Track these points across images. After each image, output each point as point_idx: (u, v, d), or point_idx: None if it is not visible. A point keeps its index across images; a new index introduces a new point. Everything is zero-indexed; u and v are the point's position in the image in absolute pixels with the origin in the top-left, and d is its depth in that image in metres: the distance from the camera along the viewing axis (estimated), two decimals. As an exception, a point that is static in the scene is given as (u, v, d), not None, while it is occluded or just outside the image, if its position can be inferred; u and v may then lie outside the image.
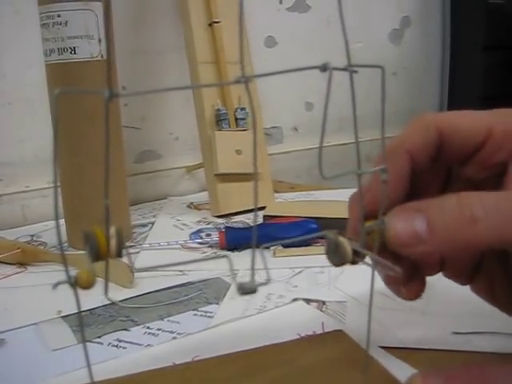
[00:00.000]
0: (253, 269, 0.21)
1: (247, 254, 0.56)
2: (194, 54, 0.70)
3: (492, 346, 0.35)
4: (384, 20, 1.09)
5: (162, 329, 0.40)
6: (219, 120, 0.70)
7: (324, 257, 0.58)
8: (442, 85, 1.17)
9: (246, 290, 0.21)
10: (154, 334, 0.39)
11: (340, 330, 0.31)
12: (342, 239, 0.26)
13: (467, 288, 0.37)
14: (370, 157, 0.98)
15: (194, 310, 0.43)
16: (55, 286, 0.19)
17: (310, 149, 1.00)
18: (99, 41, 0.55)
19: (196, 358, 0.34)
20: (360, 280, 0.49)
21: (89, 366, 0.21)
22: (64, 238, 0.61)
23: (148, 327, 0.40)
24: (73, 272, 0.20)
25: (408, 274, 0.29)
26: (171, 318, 0.42)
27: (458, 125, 0.28)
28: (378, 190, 0.26)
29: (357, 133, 0.24)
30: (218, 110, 0.70)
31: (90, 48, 0.55)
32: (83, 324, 0.39)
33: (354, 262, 0.27)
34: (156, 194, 0.83)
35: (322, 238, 0.28)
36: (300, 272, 0.51)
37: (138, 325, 0.41)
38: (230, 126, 0.70)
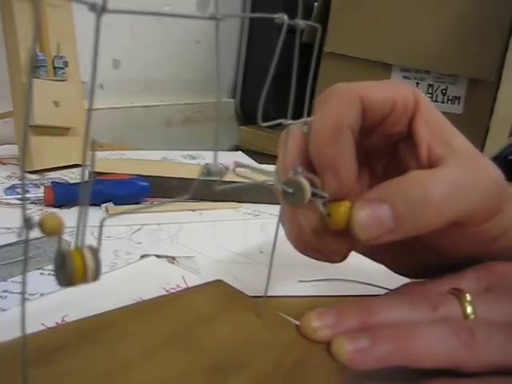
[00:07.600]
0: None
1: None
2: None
3: (333, 290, 0.41)
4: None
5: (9, 290, 0.36)
6: (36, 66, 0.63)
7: (162, 215, 0.58)
8: (239, 56, 1.23)
9: (213, 174, 0.19)
10: (1, 297, 0.35)
11: (220, 280, 0.32)
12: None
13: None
14: (170, 121, 1.00)
15: (38, 269, 0.40)
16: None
17: (115, 108, 0.97)
18: None
19: (66, 318, 0.32)
20: (199, 236, 0.52)
21: None
22: None
23: (-9, 290, 0.36)
24: None
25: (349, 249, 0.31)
26: (15, 279, 0.38)
27: (374, 97, 0.29)
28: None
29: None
30: (36, 55, 0.63)
31: None
32: None
33: None
34: None
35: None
36: (139, 229, 0.50)
37: (-23, 288, 0.36)
38: (47, 75, 0.64)
